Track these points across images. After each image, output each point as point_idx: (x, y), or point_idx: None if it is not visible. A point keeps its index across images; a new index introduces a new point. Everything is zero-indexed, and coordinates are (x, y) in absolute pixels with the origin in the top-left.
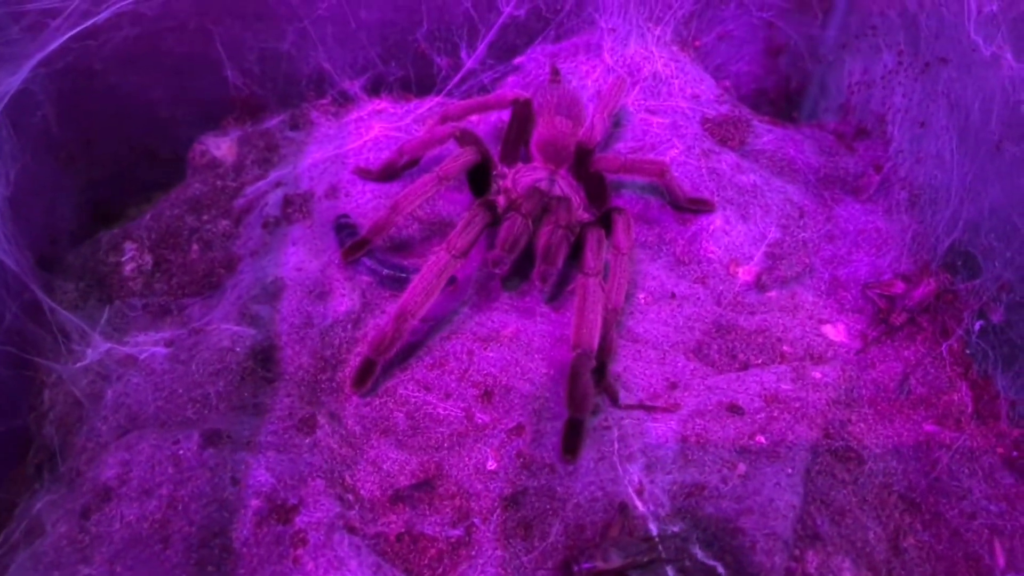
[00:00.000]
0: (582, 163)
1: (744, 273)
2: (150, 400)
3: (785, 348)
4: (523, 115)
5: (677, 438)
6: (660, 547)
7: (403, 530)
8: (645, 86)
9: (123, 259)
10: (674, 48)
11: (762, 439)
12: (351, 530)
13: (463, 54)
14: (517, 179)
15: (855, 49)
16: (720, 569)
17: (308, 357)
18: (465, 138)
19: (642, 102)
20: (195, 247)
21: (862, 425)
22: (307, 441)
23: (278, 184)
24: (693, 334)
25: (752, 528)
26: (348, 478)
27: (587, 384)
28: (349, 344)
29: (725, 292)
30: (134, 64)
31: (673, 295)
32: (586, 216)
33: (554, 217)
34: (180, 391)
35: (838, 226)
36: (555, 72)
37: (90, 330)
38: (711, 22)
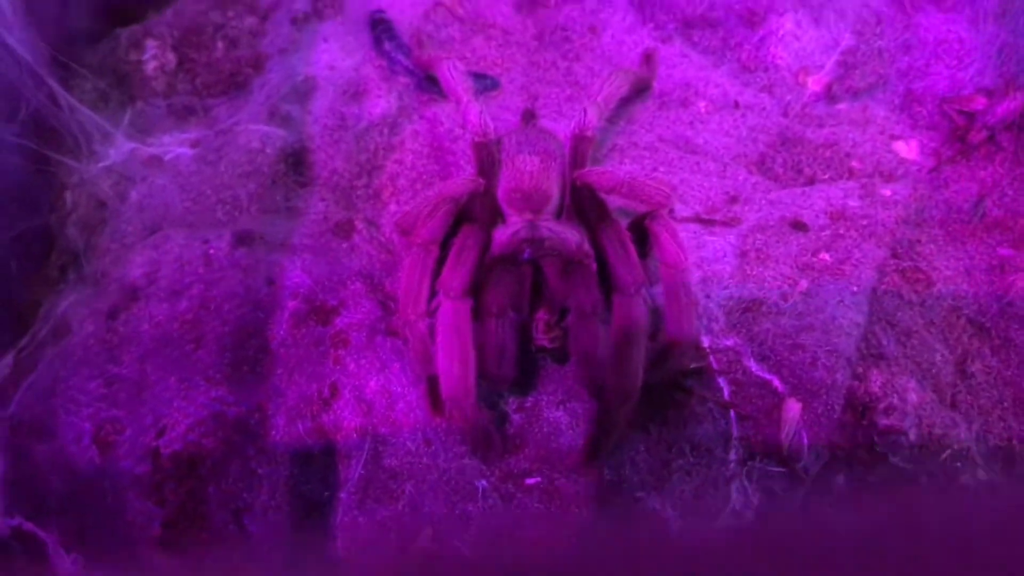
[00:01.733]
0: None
1: (814, 83)
2: (177, 201)
3: (854, 164)
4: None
5: (736, 252)
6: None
7: None
8: None
9: (144, 57)
10: None
11: (826, 256)
12: (393, 334)
13: None
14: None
15: None
16: (776, 383)
17: (342, 161)
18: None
19: None
20: (220, 45)
21: (932, 246)
22: (344, 245)
23: None
24: (756, 146)
25: (813, 344)
26: (387, 285)
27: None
28: (386, 150)
29: (792, 103)
30: None
31: (736, 104)
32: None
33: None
34: (208, 192)
35: (917, 35)
36: (529, 114)
37: (112, 130)
38: None
